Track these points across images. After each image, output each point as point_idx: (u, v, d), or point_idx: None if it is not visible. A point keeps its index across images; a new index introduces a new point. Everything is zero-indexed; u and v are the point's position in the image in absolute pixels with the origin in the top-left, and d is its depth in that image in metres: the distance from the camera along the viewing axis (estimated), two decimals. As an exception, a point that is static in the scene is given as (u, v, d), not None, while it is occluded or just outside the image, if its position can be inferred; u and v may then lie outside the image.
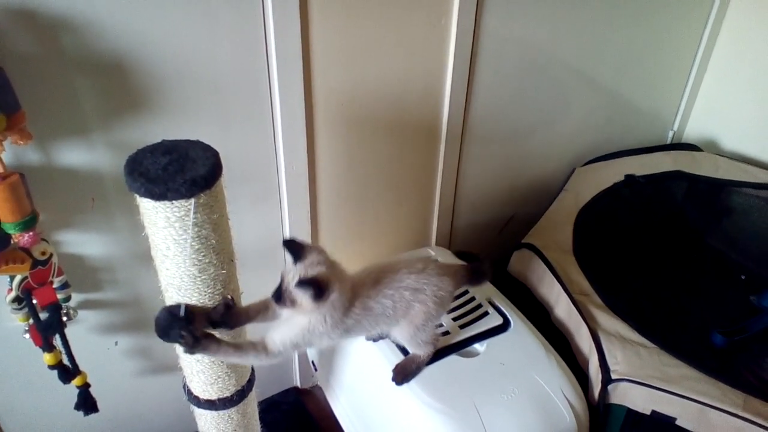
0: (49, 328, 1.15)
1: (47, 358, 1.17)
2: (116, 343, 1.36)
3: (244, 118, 1.27)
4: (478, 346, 1.32)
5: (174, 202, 0.83)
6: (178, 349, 1.02)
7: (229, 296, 0.98)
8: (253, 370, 1.14)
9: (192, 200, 0.84)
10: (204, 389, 1.07)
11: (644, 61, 1.96)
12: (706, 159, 1.99)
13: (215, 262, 0.92)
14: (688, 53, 2.06)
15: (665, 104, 2.16)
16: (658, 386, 1.20)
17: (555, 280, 1.47)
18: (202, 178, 0.84)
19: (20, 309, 1.12)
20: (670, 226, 1.89)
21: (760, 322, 1.43)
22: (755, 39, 1.95)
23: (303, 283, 0.93)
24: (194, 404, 1.10)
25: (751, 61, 1.98)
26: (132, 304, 1.34)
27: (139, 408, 1.49)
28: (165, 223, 0.85)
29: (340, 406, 1.53)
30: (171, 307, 0.94)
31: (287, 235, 1.47)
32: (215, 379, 1.05)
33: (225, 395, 1.08)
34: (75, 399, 1.25)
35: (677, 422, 1.20)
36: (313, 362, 1.67)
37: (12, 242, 1.05)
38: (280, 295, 0.97)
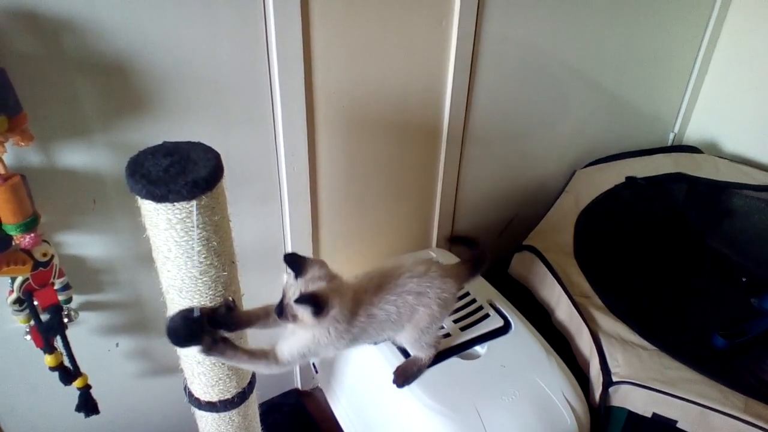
0: (50, 330, 1.14)
1: (48, 359, 1.17)
2: (117, 345, 1.36)
3: (244, 119, 1.27)
4: (479, 349, 1.32)
5: (175, 203, 0.83)
6: (183, 350, 1.02)
7: (230, 298, 0.98)
8: (253, 372, 1.14)
9: (194, 202, 0.84)
10: (205, 391, 1.07)
11: (645, 63, 1.96)
12: (707, 161, 2.00)
13: (216, 263, 0.92)
14: (689, 55, 2.07)
15: (666, 106, 2.16)
16: (658, 389, 1.20)
17: (556, 282, 1.47)
18: (203, 180, 0.84)
19: (21, 310, 1.12)
20: (670, 228, 1.89)
21: (760, 324, 1.43)
22: (756, 41, 1.95)
23: (302, 300, 0.94)
24: (195, 406, 1.10)
25: (751, 64, 1.98)
26: (133, 306, 1.34)
27: (140, 410, 1.49)
28: (166, 225, 0.85)
29: (341, 407, 1.53)
30: (184, 311, 0.94)
31: (288, 234, 1.47)
32: (216, 381, 1.05)
33: (226, 397, 1.07)
34: (76, 400, 1.25)
35: (678, 425, 1.20)
36: (313, 364, 1.67)
37: (13, 244, 1.05)
38: (281, 310, 0.98)
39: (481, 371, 1.26)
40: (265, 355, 1.02)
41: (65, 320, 1.18)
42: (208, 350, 0.96)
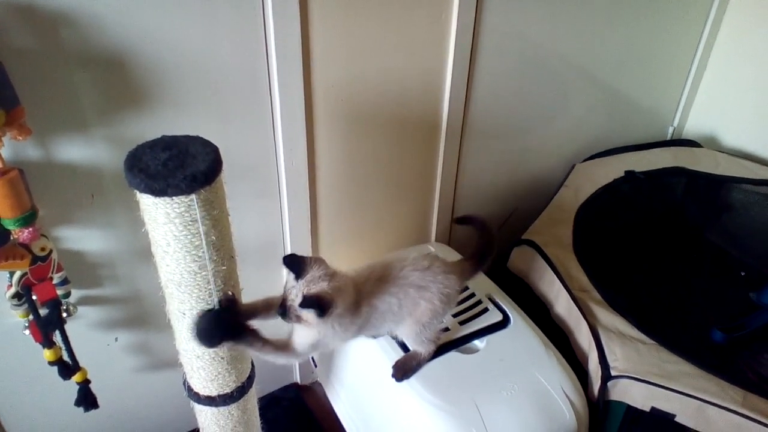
0: (49, 324, 1.14)
1: (47, 354, 1.17)
2: (116, 339, 1.36)
3: (243, 114, 1.27)
4: (477, 343, 1.32)
5: (174, 198, 0.83)
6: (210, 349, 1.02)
7: (230, 292, 0.98)
8: (253, 366, 1.14)
9: (193, 196, 0.83)
10: (204, 385, 1.07)
11: (644, 57, 1.96)
12: (706, 155, 1.99)
13: (215, 258, 0.92)
14: (689, 49, 2.06)
15: (665, 100, 2.16)
16: (657, 383, 1.20)
17: (555, 276, 1.47)
18: (202, 174, 0.83)
19: (20, 305, 1.12)
20: (669, 222, 1.89)
21: (759, 318, 1.44)
22: (756, 35, 1.95)
23: (306, 304, 0.95)
24: (194, 400, 1.10)
25: (751, 58, 1.98)
26: (132, 300, 1.34)
27: (139, 404, 1.49)
28: (165, 219, 0.85)
29: (340, 402, 1.53)
30: (205, 313, 0.95)
31: (287, 229, 1.47)
32: (215, 376, 1.05)
33: (225, 391, 1.07)
34: (75, 395, 1.25)
35: (676, 419, 1.20)
36: (312, 358, 1.67)
37: (11, 238, 1.05)
38: (285, 312, 0.99)
39: (480, 365, 1.26)
40: (287, 346, 1.05)
41: (64, 315, 1.17)
42: (238, 342, 0.99)
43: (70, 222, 1.18)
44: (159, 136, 0.91)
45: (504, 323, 1.36)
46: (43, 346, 1.16)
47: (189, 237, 0.87)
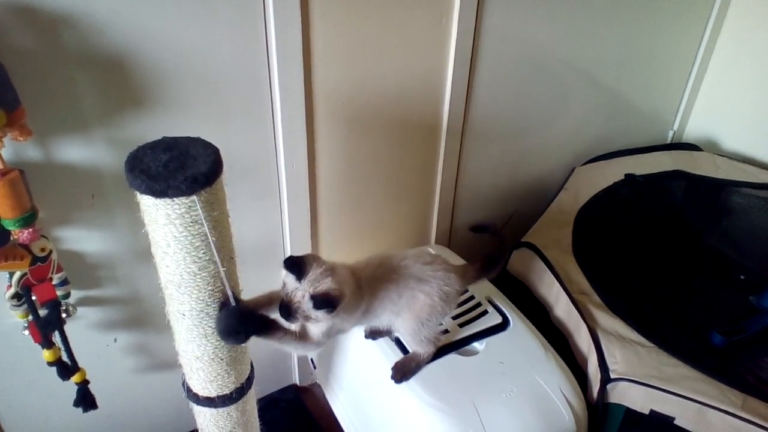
0: (48, 325, 1.14)
1: (46, 354, 1.17)
2: (115, 340, 1.36)
3: (244, 116, 1.27)
4: (477, 345, 1.32)
5: (174, 199, 0.83)
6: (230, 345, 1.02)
7: (230, 292, 0.98)
8: (252, 367, 1.14)
9: (194, 197, 0.83)
10: (203, 386, 1.06)
11: (645, 61, 1.96)
12: (706, 159, 2.00)
13: (215, 259, 0.92)
14: (689, 53, 2.06)
15: (665, 104, 2.16)
16: (656, 386, 1.20)
17: (554, 279, 1.47)
18: (202, 175, 0.84)
19: (19, 305, 1.12)
20: (669, 225, 1.89)
21: (759, 322, 1.44)
22: (756, 39, 1.95)
23: (319, 304, 0.96)
24: (193, 401, 1.10)
25: (751, 61, 1.98)
26: (131, 302, 1.34)
27: (138, 405, 1.49)
28: (165, 220, 0.85)
29: (339, 403, 1.53)
30: (226, 310, 0.96)
31: (287, 231, 1.47)
32: (214, 377, 1.05)
33: (224, 392, 1.07)
34: (74, 395, 1.25)
35: (676, 422, 1.20)
36: (312, 360, 1.67)
37: (11, 238, 1.05)
38: (289, 313, 0.99)
39: (480, 368, 1.26)
40: (304, 336, 1.07)
41: (63, 315, 1.17)
42: (263, 335, 1.00)
43: (70, 223, 1.18)
44: (159, 137, 0.92)
45: (503, 326, 1.36)
46: (43, 347, 1.16)
47: (189, 238, 0.87)
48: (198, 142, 0.91)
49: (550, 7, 1.61)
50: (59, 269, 1.13)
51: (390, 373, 1.23)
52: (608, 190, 1.80)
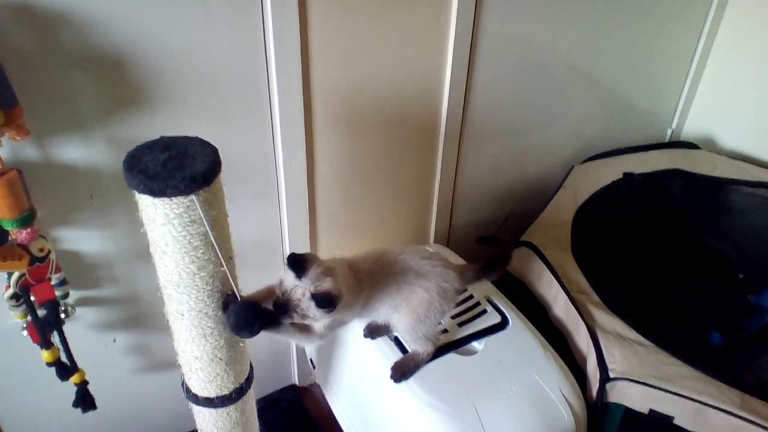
0: (47, 325, 1.14)
1: (45, 355, 1.17)
2: (114, 341, 1.36)
3: (242, 116, 1.27)
4: (476, 344, 1.32)
5: (173, 198, 0.83)
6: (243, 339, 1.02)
7: (229, 292, 0.98)
8: (251, 367, 1.13)
9: (192, 197, 0.83)
10: (202, 387, 1.06)
11: (643, 59, 1.96)
12: (704, 157, 2.00)
13: (214, 259, 0.92)
14: (687, 51, 2.07)
15: (664, 102, 2.16)
16: (655, 385, 1.20)
17: (553, 278, 1.47)
18: (201, 175, 0.83)
19: (18, 306, 1.12)
20: (668, 224, 1.89)
21: (757, 321, 1.44)
22: (754, 37, 1.95)
23: (321, 304, 0.97)
24: (193, 402, 1.10)
25: (749, 60, 1.98)
26: (130, 301, 1.33)
27: (137, 405, 1.49)
28: (164, 220, 0.85)
29: (339, 403, 1.53)
30: (235, 306, 0.97)
31: (286, 231, 1.47)
32: (214, 377, 1.04)
33: (223, 393, 1.07)
34: (73, 396, 1.25)
35: (675, 421, 1.20)
36: (311, 360, 1.67)
37: (10, 239, 1.05)
38: (286, 310, 0.99)
39: (479, 367, 1.26)
40: (308, 329, 1.07)
41: (62, 316, 1.17)
42: (272, 327, 1.01)
43: (68, 223, 1.18)
44: (158, 136, 0.92)
45: (502, 325, 1.36)
46: (42, 347, 1.16)
47: (188, 238, 0.87)
48: (196, 141, 0.91)
49: (549, 7, 1.61)
50: (58, 269, 1.13)
51: (389, 372, 1.23)
52: (607, 189, 1.80)
